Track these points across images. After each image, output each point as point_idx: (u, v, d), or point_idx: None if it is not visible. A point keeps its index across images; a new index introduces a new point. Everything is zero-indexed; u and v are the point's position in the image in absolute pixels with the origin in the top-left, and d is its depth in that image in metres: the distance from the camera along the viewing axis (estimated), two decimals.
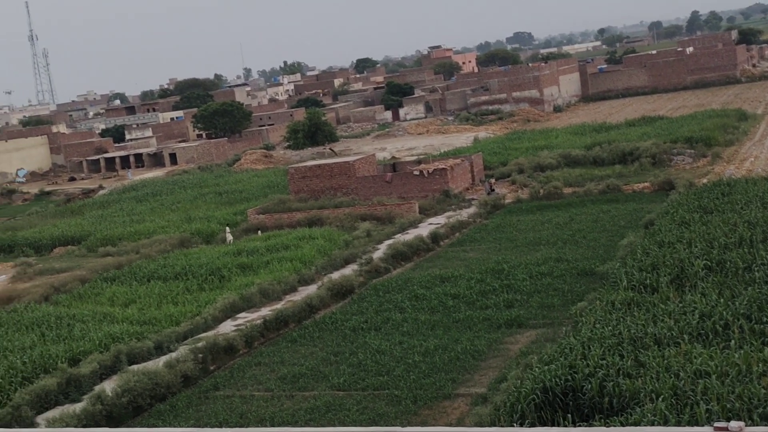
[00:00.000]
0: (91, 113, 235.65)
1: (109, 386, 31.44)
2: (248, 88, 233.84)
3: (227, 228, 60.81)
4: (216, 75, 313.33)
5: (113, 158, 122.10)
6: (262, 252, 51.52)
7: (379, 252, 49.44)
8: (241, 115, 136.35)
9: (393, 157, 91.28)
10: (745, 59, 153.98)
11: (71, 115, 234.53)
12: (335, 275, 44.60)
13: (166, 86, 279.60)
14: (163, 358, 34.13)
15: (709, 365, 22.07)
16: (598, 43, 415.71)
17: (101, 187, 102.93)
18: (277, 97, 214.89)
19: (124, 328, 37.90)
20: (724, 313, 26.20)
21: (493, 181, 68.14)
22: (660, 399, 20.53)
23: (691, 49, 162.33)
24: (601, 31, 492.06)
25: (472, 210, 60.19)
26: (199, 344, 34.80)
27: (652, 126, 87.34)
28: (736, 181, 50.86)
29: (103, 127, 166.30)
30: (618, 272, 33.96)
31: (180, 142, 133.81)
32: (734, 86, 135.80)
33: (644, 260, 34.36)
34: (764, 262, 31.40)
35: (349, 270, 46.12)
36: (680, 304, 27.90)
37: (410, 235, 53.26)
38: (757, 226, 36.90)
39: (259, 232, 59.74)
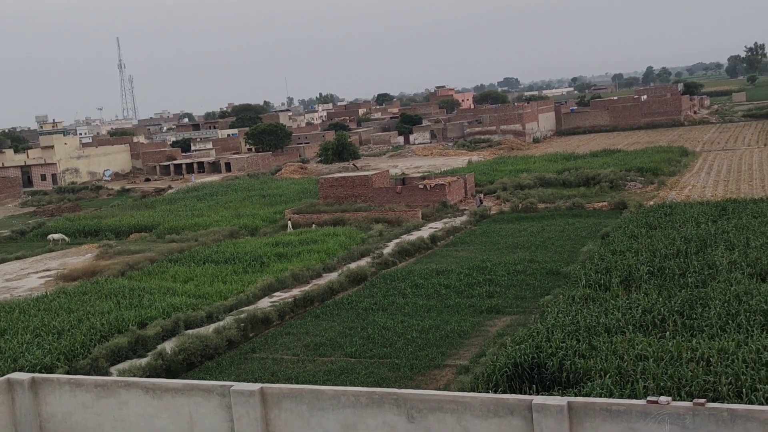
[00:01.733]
0: (165, 128, 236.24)
1: (168, 346, 31.50)
2: (290, 113, 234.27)
3: (290, 220, 61.17)
4: (265, 101, 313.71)
5: (180, 164, 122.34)
6: (295, 244, 51.50)
7: (389, 248, 49.40)
8: (283, 135, 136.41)
9: (403, 173, 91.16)
10: (688, 107, 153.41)
11: (149, 129, 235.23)
12: (353, 265, 44.55)
13: (225, 109, 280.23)
14: (213, 326, 34.15)
15: (648, 351, 22.02)
16: (571, 89, 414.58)
17: (170, 187, 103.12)
18: (312, 121, 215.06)
19: (183, 300, 37.94)
20: (662, 309, 26.12)
21: (482, 195, 67.96)
22: (607, 376, 20.50)
23: (645, 97, 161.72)
24: (574, 80, 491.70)
25: (464, 218, 60.06)
26: (242, 315, 34.80)
27: (612, 157, 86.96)
28: (676, 204, 50.66)
29: (173, 139, 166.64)
30: (578, 273, 33.85)
31: (234, 154, 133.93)
32: (679, 128, 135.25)
33: (600, 264, 34.25)
34: (696, 270, 31.31)
35: (363, 262, 46.10)
36: (627, 301, 27.81)
37: (414, 236, 53.21)
38: (691, 240, 36.78)
39: (314, 225, 59.86)
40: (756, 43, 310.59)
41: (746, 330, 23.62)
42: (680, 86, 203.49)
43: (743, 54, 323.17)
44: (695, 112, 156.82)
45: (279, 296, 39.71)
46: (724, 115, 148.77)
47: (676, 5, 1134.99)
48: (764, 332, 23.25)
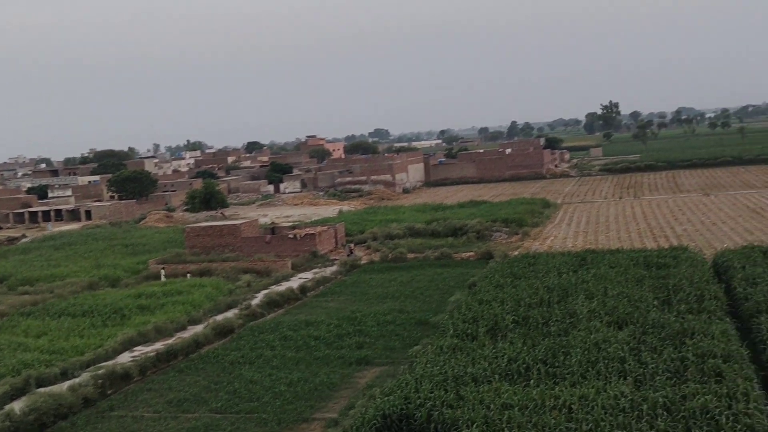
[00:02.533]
0: (20, 173, 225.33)
1: (18, 406, 29.61)
2: (156, 160, 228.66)
3: (162, 270, 60.01)
4: (129, 148, 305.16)
5: (36, 212, 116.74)
6: (159, 296, 50.00)
7: (257, 300, 48.69)
8: (148, 182, 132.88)
9: (273, 223, 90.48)
10: (550, 161, 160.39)
11: (2, 174, 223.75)
12: (219, 317, 43.61)
13: (86, 154, 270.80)
14: (68, 383, 32.41)
15: (513, 399, 22.49)
16: (440, 141, 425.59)
17: (24, 236, 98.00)
18: (179, 168, 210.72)
19: (35, 357, 35.92)
20: (527, 358, 26.80)
21: (352, 245, 68.29)
22: (474, 426, 20.77)
23: (509, 150, 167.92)
24: (442, 132, 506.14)
25: (334, 268, 60.07)
26: (100, 371, 33.24)
27: (478, 208, 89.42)
28: (539, 254, 52.38)
29: (29, 185, 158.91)
30: (446, 323, 34.30)
31: (95, 201, 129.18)
32: (541, 181, 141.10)
33: (467, 314, 34.84)
34: (558, 319, 32.36)
35: (231, 313, 45.19)
36: (493, 350, 28.37)
37: (283, 286, 52.71)
38: (554, 290, 38.02)
39: (188, 275, 58.55)
40: (611, 101, 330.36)
41: (605, 377, 24.58)
42: (542, 141, 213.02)
43: (599, 111, 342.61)
44: (556, 166, 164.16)
45: (141, 350, 38.32)
46: (583, 169, 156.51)
47: (540, 63, 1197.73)
48: (621, 379, 24.28)
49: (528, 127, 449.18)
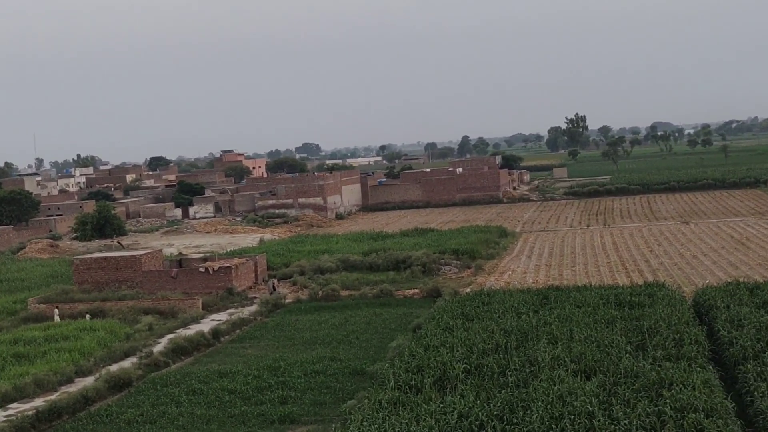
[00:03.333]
0: None
1: None
2: (39, 178, 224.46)
3: (56, 309, 59.08)
4: (6, 163, 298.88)
5: None
6: (40, 342, 48.95)
7: (160, 346, 48.00)
8: (29, 204, 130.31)
9: (180, 254, 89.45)
10: (507, 182, 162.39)
11: None
12: (114, 367, 42.87)
13: None
14: None
15: None
16: (380, 158, 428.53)
17: None
18: (68, 188, 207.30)
19: None
20: (480, 413, 26.92)
21: (275, 281, 67.93)
22: None
23: (460, 169, 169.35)
24: (383, 148, 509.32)
25: (254, 308, 59.62)
26: None
27: (424, 237, 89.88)
28: (495, 291, 52.75)
29: None
30: (386, 372, 34.28)
31: None
32: (497, 205, 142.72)
33: (411, 362, 34.87)
34: (517, 367, 32.61)
35: (128, 363, 44.47)
36: (441, 405, 28.42)
37: (192, 330, 52.11)
38: (512, 333, 38.34)
39: (87, 316, 57.61)
40: (577, 114, 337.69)
41: None
42: (498, 159, 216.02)
43: (564, 126, 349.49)
44: (515, 188, 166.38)
45: (17, 408, 37.52)
46: (545, 192, 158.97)
47: (496, 72, 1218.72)
48: None
49: (482, 143, 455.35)
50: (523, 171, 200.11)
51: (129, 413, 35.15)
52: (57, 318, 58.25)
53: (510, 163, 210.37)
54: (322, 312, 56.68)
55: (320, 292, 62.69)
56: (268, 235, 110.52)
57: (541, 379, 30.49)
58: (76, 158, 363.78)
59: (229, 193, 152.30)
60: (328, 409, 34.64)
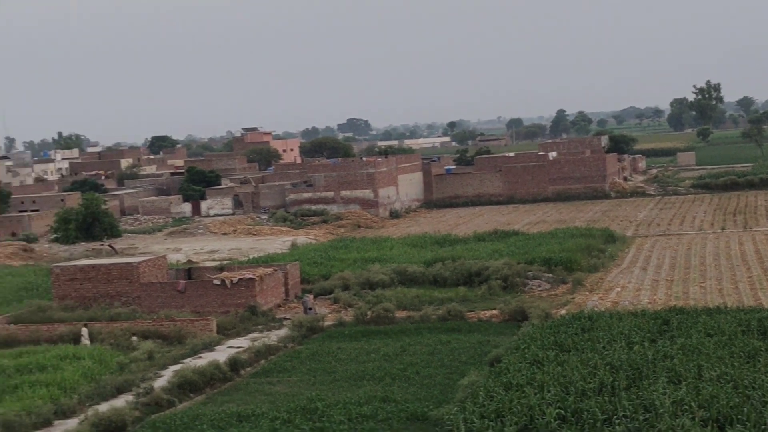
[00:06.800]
0: None
1: None
2: (9, 163, 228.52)
3: (84, 328, 59.13)
4: None
5: None
6: (9, 373, 49.53)
7: (163, 380, 48.35)
8: None
9: (189, 261, 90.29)
10: (616, 171, 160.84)
11: None
12: (103, 407, 43.30)
13: None
14: None
15: None
16: (447, 138, 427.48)
17: None
18: (45, 176, 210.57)
19: None
20: None
21: (311, 297, 68.15)
22: None
23: (554, 154, 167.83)
24: (452, 125, 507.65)
25: (283, 332, 59.85)
26: None
27: (505, 242, 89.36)
28: (598, 314, 52.36)
29: None
30: (455, 419, 34.21)
31: None
32: (602, 201, 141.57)
33: (487, 405, 34.76)
34: (627, 414, 32.36)
35: (122, 401, 44.86)
36: None
37: (204, 359, 52.41)
38: (620, 369, 38.03)
39: (85, 333, 58.24)
40: (709, 82, 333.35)
41: None
42: (604, 140, 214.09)
43: (691, 97, 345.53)
44: (626, 179, 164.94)
45: None
46: (666, 183, 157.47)
47: (600, 28, 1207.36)
48: None
49: (583, 119, 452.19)
50: (637, 156, 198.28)
51: None
52: (86, 340, 58.06)
53: (620, 145, 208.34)
54: (372, 338, 56.67)
55: (369, 313, 62.69)
56: (302, 238, 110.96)
57: (659, 430, 30.22)
58: (56, 137, 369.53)
59: (253, 184, 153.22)
60: None
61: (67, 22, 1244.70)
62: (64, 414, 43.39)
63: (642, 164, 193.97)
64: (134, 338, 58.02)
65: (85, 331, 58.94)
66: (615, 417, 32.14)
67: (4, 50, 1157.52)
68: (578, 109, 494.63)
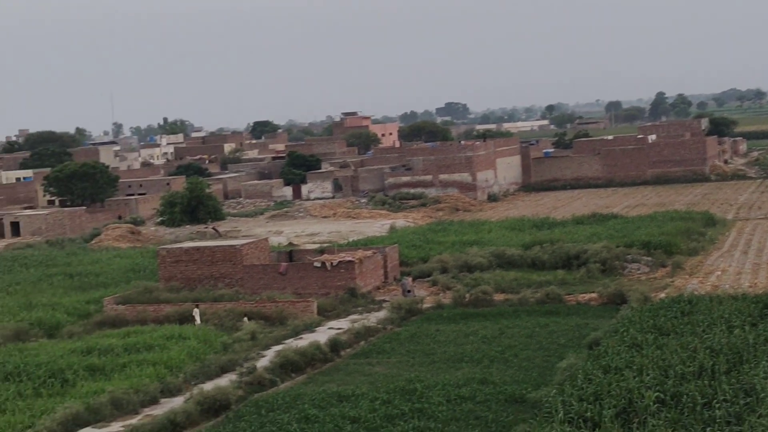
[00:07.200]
0: None
1: None
2: (117, 148, 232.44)
3: (196, 309, 60.29)
4: (78, 129, 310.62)
5: None
6: (118, 352, 50.41)
7: (265, 360, 48.86)
8: (105, 181, 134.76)
9: (290, 244, 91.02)
10: (716, 154, 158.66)
11: None
12: (208, 386, 43.86)
13: (14, 138, 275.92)
14: None
15: None
16: (546, 122, 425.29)
17: None
18: (152, 160, 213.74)
19: None
20: None
21: (410, 280, 68.29)
22: None
23: (654, 137, 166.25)
24: (550, 108, 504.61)
25: (382, 314, 60.08)
26: None
27: (604, 226, 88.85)
28: (698, 298, 51.78)
29: None
30: (554, 401, 34.11)
31: (26, 208, 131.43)
32: (702, 185, 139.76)
33: (586, 388, 34.60)
34: (727, 398, 31.96)
35: (225, 380, 45.41)
36: None
37: (305, 340, 52.83)
38: (720, 353, 37.57)
39: (196, 314, 59.52)
40: None
41: None
42: (705, 123, 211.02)
43: None
44: (726, 162, 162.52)
45: None
46: None
47: (702, 10, 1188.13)
48: None
49: (682, 101, 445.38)
50: (738, 139, 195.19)
51: None
52: (198, 320, 59.19)
53: (720, 128, 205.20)
54: (470, 321, 56.66)
55: (468, 296, 62.68)
56: (401, 221, 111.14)
57: (760, 415, 29.81)
58: (162, 123, 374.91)
59: (352, 168, 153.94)
60: None
61: (174, 14, 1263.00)
62: (170, 392, 44.08)
63: (743, 147, 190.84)
64: (245, 319, 58.76)
65: (196, 311, 59.96)
66: (715, 401, 31.75)
67: (115, 39, 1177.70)
68: (677, 91, 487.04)
